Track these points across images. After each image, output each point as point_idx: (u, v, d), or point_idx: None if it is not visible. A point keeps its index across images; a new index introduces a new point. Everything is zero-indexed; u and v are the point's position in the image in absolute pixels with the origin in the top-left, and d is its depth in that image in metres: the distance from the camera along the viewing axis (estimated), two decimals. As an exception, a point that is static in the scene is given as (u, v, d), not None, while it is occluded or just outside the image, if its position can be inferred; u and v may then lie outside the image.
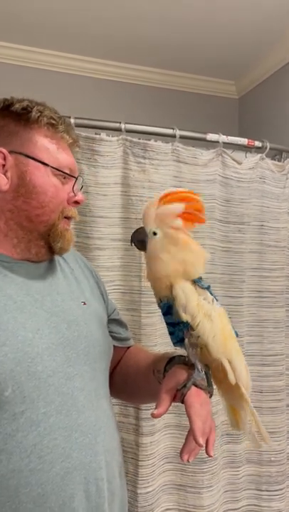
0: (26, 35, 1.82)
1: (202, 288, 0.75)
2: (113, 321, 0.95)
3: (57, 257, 0.85)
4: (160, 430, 1.31)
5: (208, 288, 0.77)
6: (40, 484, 0.64)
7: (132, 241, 0.79)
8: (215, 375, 0.77)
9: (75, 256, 0.93)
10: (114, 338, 0.93)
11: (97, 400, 0.75)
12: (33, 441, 0.65)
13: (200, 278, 0.76)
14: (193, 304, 0.73)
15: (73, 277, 0.86)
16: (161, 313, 0.80)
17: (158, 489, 1.31)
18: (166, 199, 0.74)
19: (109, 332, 0.92)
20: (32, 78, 1.90)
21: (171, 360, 0.80)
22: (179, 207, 0.73)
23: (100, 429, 0.73)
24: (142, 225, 0.77)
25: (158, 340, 1.31)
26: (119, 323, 0.97)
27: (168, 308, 0.76)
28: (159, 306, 0.79)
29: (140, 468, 1.26)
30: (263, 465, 1.43)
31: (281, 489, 1.44)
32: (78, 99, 1.90)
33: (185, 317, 0.73)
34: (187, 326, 0.74)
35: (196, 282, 0.75)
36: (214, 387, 0.78)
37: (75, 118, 1.24)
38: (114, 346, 0.91)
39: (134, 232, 0.78)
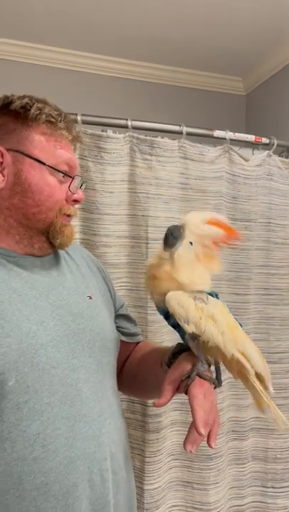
0: (33, 33, 1.83)
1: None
2: (121, 316, 0.95)
3: (62, 253, 0.86)
4: (166, 427, 1.32)
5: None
6: (44, 473, 0.65)
7: (169, 234, 0.77)
8: (231, 368, 0.78)
9: (81, 252, 0.94)
10: (122, 333, 0.93)
11: (102, 392, 0.76)
12: (36, 430, 0.66)
13: None
14: (192, 312, 0.73)
15: (79, 273, 0.86)
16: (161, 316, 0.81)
17: (164, 486, 1.31)
18: (210, 221, 0.78)
19: (118, 327, 0.92)
20: (39, 76, 1.91)
21: (175, 350, 0.80)
22: (219, 233, 0.77)
23: (105, 421, 0.74)
24: (180, 225, 0.78)
25: (165, 337, 1.31)
26: (127, 318, 0.97)
27: (166, 313, 0.77)
28: (158, 310, 0.80)
29: (146, 464, 1.26)
30: (268, 462, 1.43)
31: (287, 486, 1.43)
32: (85, 96, 1.91)
33: (190, 329, 0.73)
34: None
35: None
36: (234, 378, 0.79)
37: (82, 115, 1.24)
38: (123, 341, 0.92)
39: (175, 227, 0.77)
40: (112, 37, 1.84)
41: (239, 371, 0.78)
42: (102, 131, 1.29)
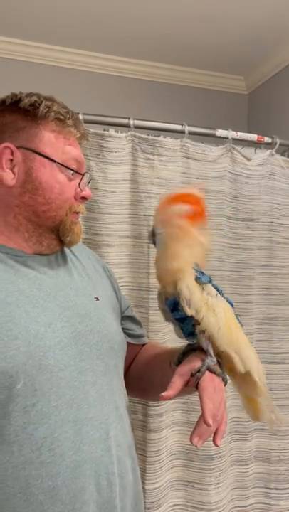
0: (35, 32, 1.82)
1: (203, 283, 0.77)
2: (127, 318, 0.95)
3: (69, 254, 0.86)
4: (168, 427, 1.31)
5: (210, 281, 0.79)
6: (51, 477, 0.64)
7: (149, 234, 0.84)
8: (226, 366, 0.78)
9: (87, 253, 0.94)
10: (128, 335, 0.93)
11: (109, 395, 0.75)
12: (43, 433, 0.65)
13: (202, 272, 0.78)
14: (196, 298, 0.75)
15: (86, 274, 0.86)
16: (168, 311, 0.81)
17: (165, 485, 1.31)
18: (172, 201, 0.80)
19: (124, 329, 0.92)
20: (41, 74, 1.91)
21: (185, 350, 0.80)
22: (183, 208, 0.78)
23: (112, 424, 0.73)
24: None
25: (166, 337, 1.31)
26: (133, 320, 0.97)
27: (175, 305, 0.77)
28: (165, 303, 0.80)
29: (148, 464, 1.26)
30: (271, 463, 1.43)
31: (290, 487, 1.43)
32: (87, 95, 1.90)
33: (190, 312, 0.75)
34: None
35: (198, 279, 0.77)
36: (228, 378, 0.79)
37: (84, 114, 1.24)
38: (129, 343, 0.91)
39: (151, 229, 0.83)
40: (114, 36, 1.83)
41: (234, 371, 0.78)
42: (104, 130, 1.29)
